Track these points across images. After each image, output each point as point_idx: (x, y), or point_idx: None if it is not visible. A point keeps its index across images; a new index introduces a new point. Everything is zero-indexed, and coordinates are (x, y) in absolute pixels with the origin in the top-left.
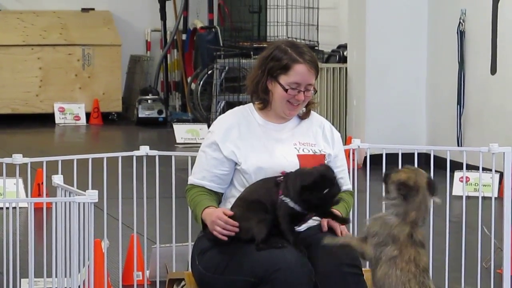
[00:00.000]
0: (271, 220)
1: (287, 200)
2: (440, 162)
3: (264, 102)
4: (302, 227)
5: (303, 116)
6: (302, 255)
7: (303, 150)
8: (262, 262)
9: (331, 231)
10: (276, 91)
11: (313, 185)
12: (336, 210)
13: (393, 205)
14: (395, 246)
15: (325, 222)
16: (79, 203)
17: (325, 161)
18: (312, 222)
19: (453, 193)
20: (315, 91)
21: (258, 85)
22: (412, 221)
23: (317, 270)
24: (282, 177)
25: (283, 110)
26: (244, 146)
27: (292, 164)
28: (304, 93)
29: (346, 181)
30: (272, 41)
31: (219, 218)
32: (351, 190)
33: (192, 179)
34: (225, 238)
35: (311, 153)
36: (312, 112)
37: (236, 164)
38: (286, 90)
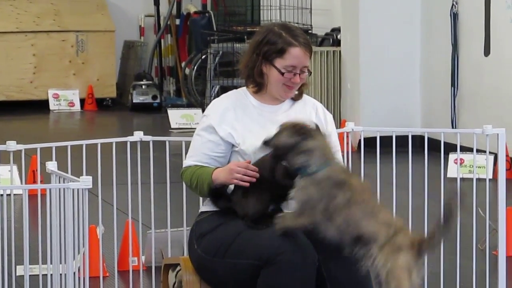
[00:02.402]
0: (269, 198)
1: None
2: (434, 144)
3: (259, 85)
4: None
5: (296, 98)
6: (305, 237)
7: None
8: (267, 245)
9: None
10: (271, 74)
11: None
12: None
13: (307, 157)
14: (344, 190)
15: None
16: (73, 189)
17: None
18: None
19: (448, 175)
20: (310, 73)
21: (253, 70)
22: (338, 162)
23: (319, 252)
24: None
25: (279, 92)
26: (241, 127)
27: None
28: (299, 75)
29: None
30: (263, 25)
31: (238, 165)
32: None
33: (188, 161)
34: (247, 184)
35: None
36: (304, 94)
37: (233, 146)
38: (282, 74)
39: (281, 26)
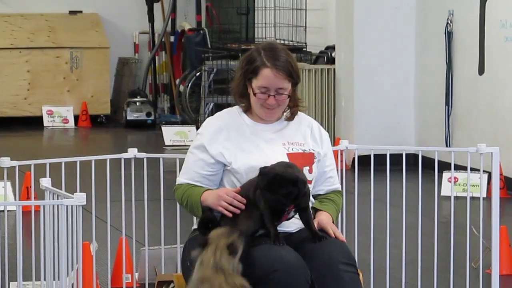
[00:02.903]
0: (260, 215)
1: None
2: (428, 162)
3: (245, 104)
4: (292, 228)
5: (288, 119)
6: (299, 256)
7: (292, 149)
8: (259, 263)
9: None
10: (250, 94)
11: (268, 186)
12: (326, 211)
13: None
14: None
15: (315, 223)
16: (67, 206)
17: (315, 160)
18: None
19: (442, 194)
20: (288, 96)
21: (237, 87)
22: None
23: (312, 269)
24: None
25: (259, 113)
26: (233, 147)
27: None
28: (275, 97)
29: (335, 181)
30: (258, 43)
31: (227, 194)
32: (340, 190)
33: (180, 179)
34: (230, 215)
35: (300, 151)
36: (300, 112)
37: (225, 165)
38: (254, 94)
39: (265, 45)
